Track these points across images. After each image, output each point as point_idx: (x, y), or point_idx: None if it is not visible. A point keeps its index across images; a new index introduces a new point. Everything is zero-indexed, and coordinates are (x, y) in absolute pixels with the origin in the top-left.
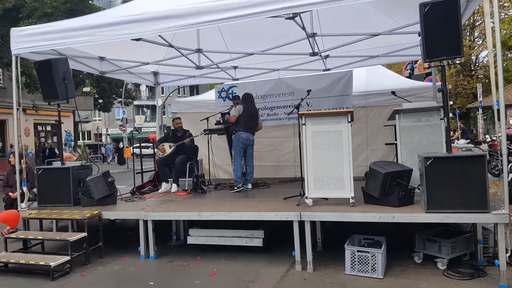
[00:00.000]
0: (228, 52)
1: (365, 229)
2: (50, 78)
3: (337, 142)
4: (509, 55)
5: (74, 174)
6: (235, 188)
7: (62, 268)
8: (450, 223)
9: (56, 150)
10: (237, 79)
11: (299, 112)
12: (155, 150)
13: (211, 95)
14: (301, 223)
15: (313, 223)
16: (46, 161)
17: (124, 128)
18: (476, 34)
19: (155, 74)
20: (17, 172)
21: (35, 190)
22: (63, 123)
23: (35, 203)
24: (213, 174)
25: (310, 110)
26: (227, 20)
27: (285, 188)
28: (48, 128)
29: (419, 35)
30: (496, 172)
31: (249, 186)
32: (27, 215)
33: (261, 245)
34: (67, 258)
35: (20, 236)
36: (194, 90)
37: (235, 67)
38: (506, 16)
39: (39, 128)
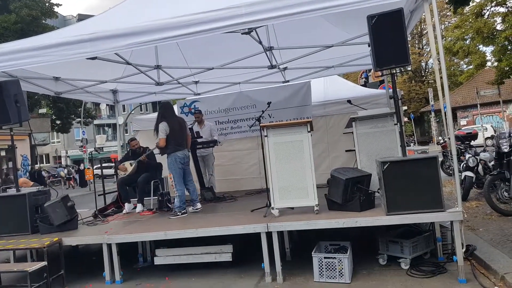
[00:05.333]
0: (188, 67)
1: (332, 235)
2: (0, 102)
3: (299, 151)
4: (455, 60)
5: (30, 200)
6: (178, 214)
7: None
8: (410, 224)
9: (43, 173)
10: (198, 94)
11: (260, 124)
12: (117, 170)
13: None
14: (269, 234)
15: (280, 233)
16: (1, 188)
17: (85, 149)
18: (424, 42)
19: (114, 92)
20: None
21: None
22: (17, 147)
23: None
24: None
25: (272, 122)
26: (184, 36)
27: (251, 200)
28: (2, 153)
29: (369, 46)
30: (450, 172)
31: (198, 205)
32: None
33: (231, 259)
34: None
35: None
36: (157, 106)
37: (196, 82)
38: (449, 24)
39: None
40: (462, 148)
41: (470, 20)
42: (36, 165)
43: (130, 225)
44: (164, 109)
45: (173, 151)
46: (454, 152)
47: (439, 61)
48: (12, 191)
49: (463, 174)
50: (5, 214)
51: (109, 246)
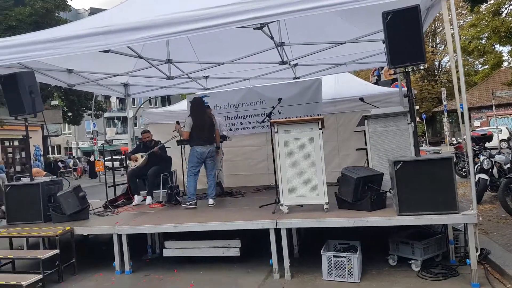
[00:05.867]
0: (198, 62)
1: (341, 233)
2: (16, 92)
3: (309, 149)
4: (469, 60)
5: (44, 189)
6: (186, 203)
7: (34, 287)
8: (422, 225)
9: (59, 164)
10: (208, 89)
11: (271, 121)
12: (128, 162)
13: (183, 105)
14: (277, 231)
15: (289, 230)
16: (15, 177)
17: (95, 141)
18: (437, 40)
19: (125, 85)
20: None
21: (3, 207)
22: (31, 137)
23: (4, 221)
24: None
25: (282, 118)
26: (195, 31)
27: (260, 196)
28: (16, 143)
29: (383, 43)
30: (463, 174)
31: (210, 201)
32: None
33: (238, 254)
34: (39, 276)
35: None
36: (166, 100)
37: (206, 77)
38: (464, 22)
39: (6, 143)
40: (477, 150)
41: (487, 18)
42: (50, 156)
43: (140, 216)
44: (193, 105)
45: (193, 145)
46: (470, 154)
47: (456, 59)
48: (26, 180)
49: (477, 176)
50: (20, 202)
51: (120, 236)
